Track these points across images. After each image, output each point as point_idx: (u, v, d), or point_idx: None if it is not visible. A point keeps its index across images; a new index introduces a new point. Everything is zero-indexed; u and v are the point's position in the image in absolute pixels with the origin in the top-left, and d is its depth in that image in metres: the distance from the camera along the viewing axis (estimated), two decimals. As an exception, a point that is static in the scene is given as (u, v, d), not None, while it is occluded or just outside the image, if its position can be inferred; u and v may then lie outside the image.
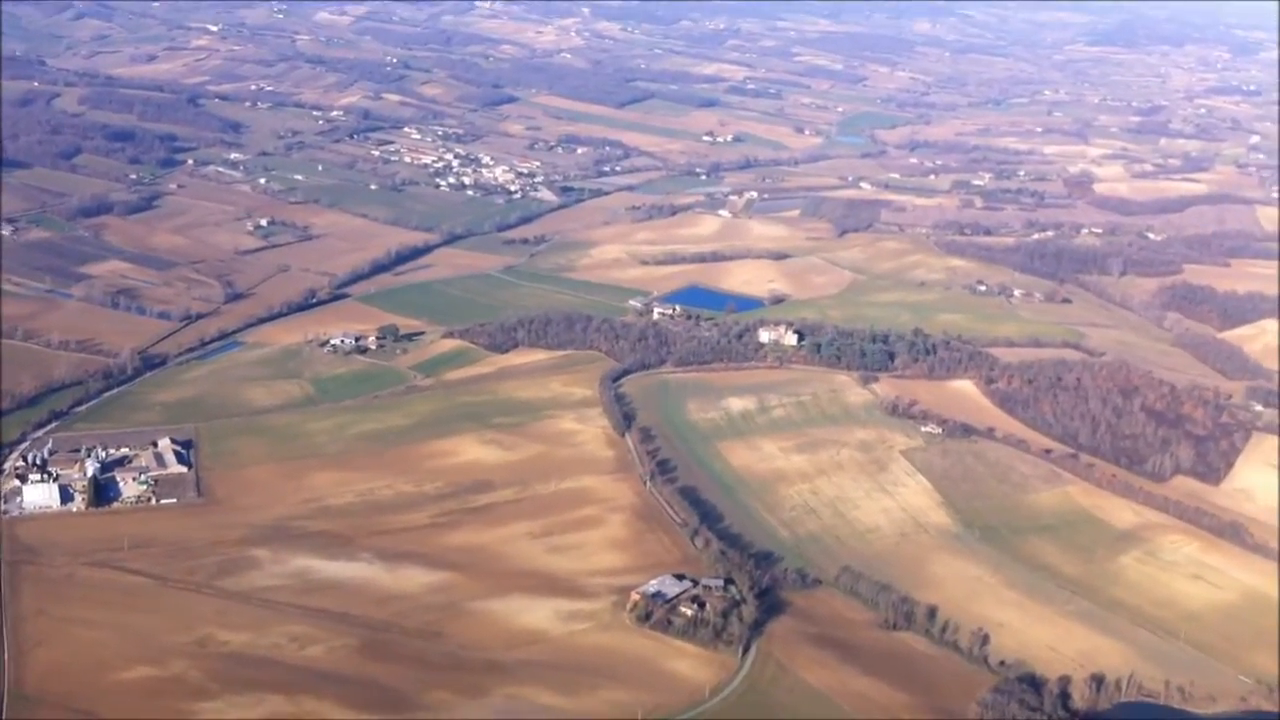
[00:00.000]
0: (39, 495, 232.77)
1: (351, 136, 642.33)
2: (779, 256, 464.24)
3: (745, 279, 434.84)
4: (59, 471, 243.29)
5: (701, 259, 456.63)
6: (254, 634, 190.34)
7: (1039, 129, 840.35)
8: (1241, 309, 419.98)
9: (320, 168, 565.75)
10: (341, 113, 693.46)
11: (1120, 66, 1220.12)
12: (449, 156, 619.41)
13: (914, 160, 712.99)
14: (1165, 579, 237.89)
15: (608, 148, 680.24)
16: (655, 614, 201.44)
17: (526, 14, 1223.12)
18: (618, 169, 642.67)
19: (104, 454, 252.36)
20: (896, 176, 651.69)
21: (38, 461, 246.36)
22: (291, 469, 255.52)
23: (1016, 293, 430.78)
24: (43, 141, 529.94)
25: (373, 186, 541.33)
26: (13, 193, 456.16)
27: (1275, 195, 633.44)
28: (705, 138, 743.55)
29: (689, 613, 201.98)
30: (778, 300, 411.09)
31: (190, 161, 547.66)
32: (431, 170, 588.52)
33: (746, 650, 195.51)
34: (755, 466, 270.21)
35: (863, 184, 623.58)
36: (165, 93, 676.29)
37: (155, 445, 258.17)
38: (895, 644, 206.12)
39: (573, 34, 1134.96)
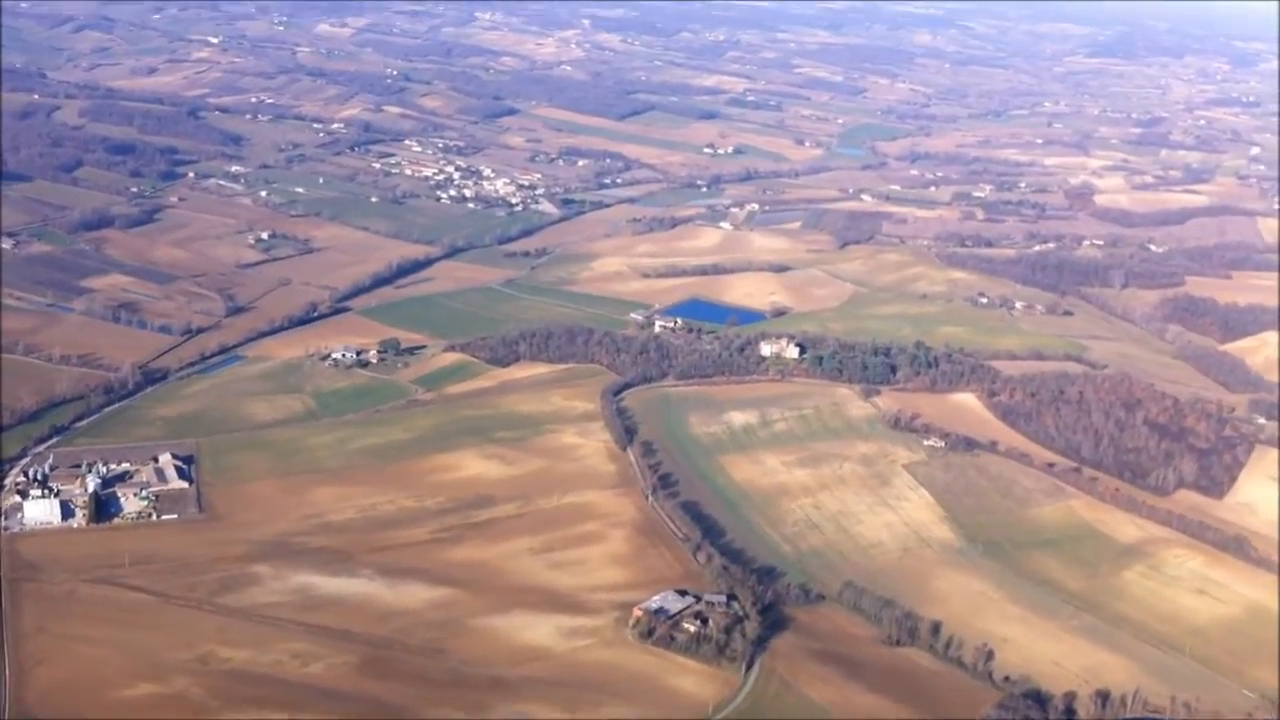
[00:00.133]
0: (40, 511, 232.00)
1: (352, 149, 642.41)
2: (780, 269, 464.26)
3: (746, 291, 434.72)
4: (60, 487, 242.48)
5: (702, 271, 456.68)
6: (255, 651, 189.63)
7: (1039, 140, 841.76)
8: (1243, 321, 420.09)
9: (321, 180, 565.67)
10: (342, 125, 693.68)
11: (1120, 78, 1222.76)
12: (450, 169, 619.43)
13: (915, 172, 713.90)
14: (1169, 594, 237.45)
15: (608, 160, 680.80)
16: (658, 630, 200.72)
17: (527, 26, 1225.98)
18: (618, 181, 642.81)
19: (105, 469, 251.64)
20: (897, 188, 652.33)
21: (39, 477, 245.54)
22: (293, 484, 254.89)
23: (1018, 305, 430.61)
24: (43, 154, 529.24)
25: (373, 199, 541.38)
26: (13, 206, 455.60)
27: (1276, 207, 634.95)
28: (706, 150, 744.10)
29: (692, 629, 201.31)
30: (779, 313, 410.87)
31: (191, 174, 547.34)
32: (432, 183, 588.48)
33: (750, 667, 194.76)
34: (757, 481, 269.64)
35: (863, 196, 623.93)
36: (166, 105, 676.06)
37: (156, 460, 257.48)
38: (899, 660, 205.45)
39: (573, 46, 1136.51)
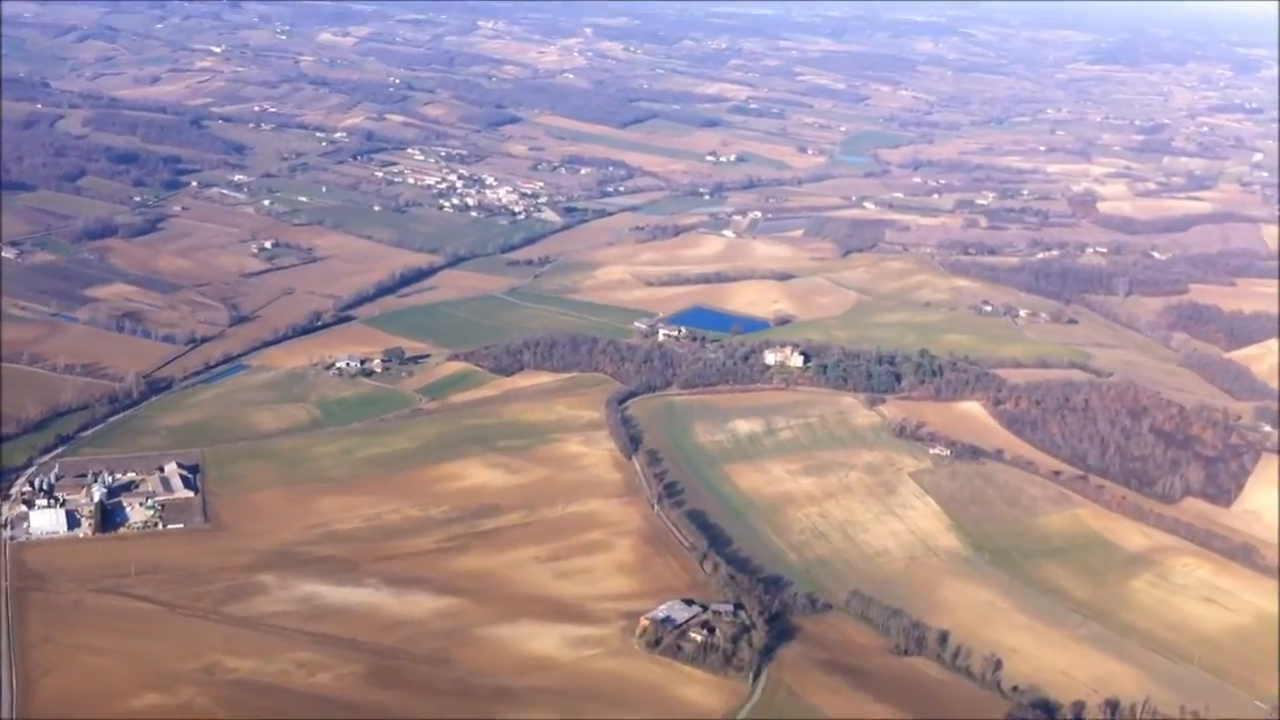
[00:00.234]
0: (45, 521, 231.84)
1: (355, 158, 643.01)
2: (783, 277, 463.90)
3: (750, 300, 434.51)
4: (65, 497, 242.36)
5: (706, 280, 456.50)
6: (262, 660, 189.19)
7: (1042, 148, 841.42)
8: (1248, 329, 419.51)
9: (324, 189, 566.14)
10: (345, 134, 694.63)
11: (1123, 85, 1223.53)
12: (452, 177, 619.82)
13: (917, 179, 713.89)
14: (1177, 602, 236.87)
15: (611, 168, 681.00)
16: (665, 640, 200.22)
17: (529, 34, 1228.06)
18: (621, 189, 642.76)
19: (110, 479, 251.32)
20: (900, 196, 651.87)
21: (44, 487, 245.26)
22: (298, 493, 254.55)
23: (1022, 313, 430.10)
24: (47, 164, 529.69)
25: (376, 208, 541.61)
26: (17, 215, 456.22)
27: (1279, 213, 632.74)
28: (708, 157, 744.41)
29: (699, 638, 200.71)
30: (783, 321, 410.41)
31: (194, 183, 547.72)
32: (435, 191, 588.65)
33: (757, 676, 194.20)
34: (763, 489, 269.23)
35: (866, 203, 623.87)
36: (169, 114, 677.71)
37: (162, 470, 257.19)
38: (907, 670, 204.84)
39: (575, 54, 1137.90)
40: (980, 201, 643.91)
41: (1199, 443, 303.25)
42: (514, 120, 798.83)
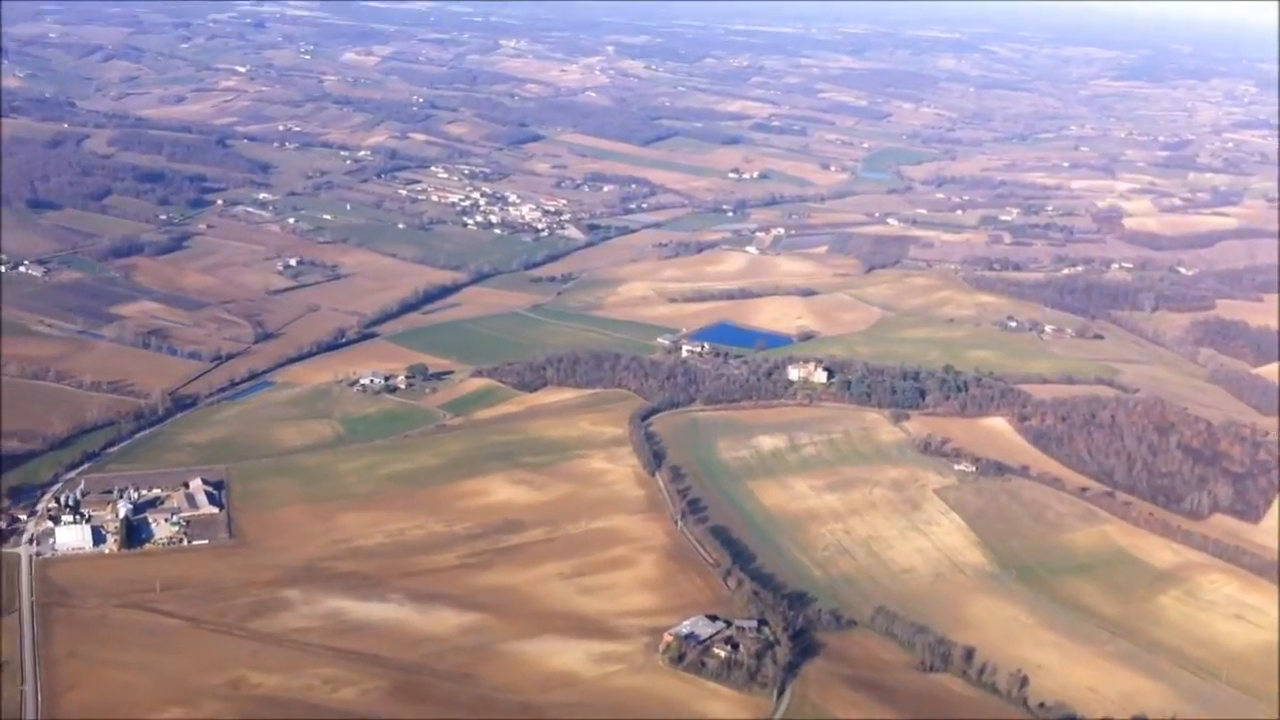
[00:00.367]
0: (71, 537, 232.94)
1: (379, 176, 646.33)
2: (807, 293, 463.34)
3: (773, 316, 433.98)
4: (91, 513, 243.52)
5: (729, 296, 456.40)
6: (286, 676, 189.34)
7: (1066, 164, 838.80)
8: (1275, 344, 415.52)
9: (348, 207, 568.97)
10: (369, 152, 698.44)
11: (1146, 101, 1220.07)
12: (476, 195, 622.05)
13: (941, 196, 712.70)
14: (1205, 619, 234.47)
15: (634, 185, 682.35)
16: (688, 656, 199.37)
17: (551, 53, 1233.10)
18: (644, 206, 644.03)
19: (136, 495, 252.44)
20: (923, 212, 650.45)
21: (70, 503, 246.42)
22: (322, 509, 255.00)
23: (1048, 329, 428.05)
24: (73, 183, 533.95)
25: (400, 225, 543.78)
26: (44, 234, 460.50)
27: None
28: (731, 174, 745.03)
29: (722, 654, 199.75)
30: (806, 337, 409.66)
31: (219, 202, 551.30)
32: (458, 209, 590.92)
33: (781, 693, 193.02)
34: (787, 506, 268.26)
35: (890, 220, 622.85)
36: (194, 134, 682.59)
37: (187, 486, 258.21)
38: (933, 686, 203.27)
39: (597, 72, 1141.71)
40: (1004, 217, 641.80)
41: (1227, 459, 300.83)
42: (536, 138, 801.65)
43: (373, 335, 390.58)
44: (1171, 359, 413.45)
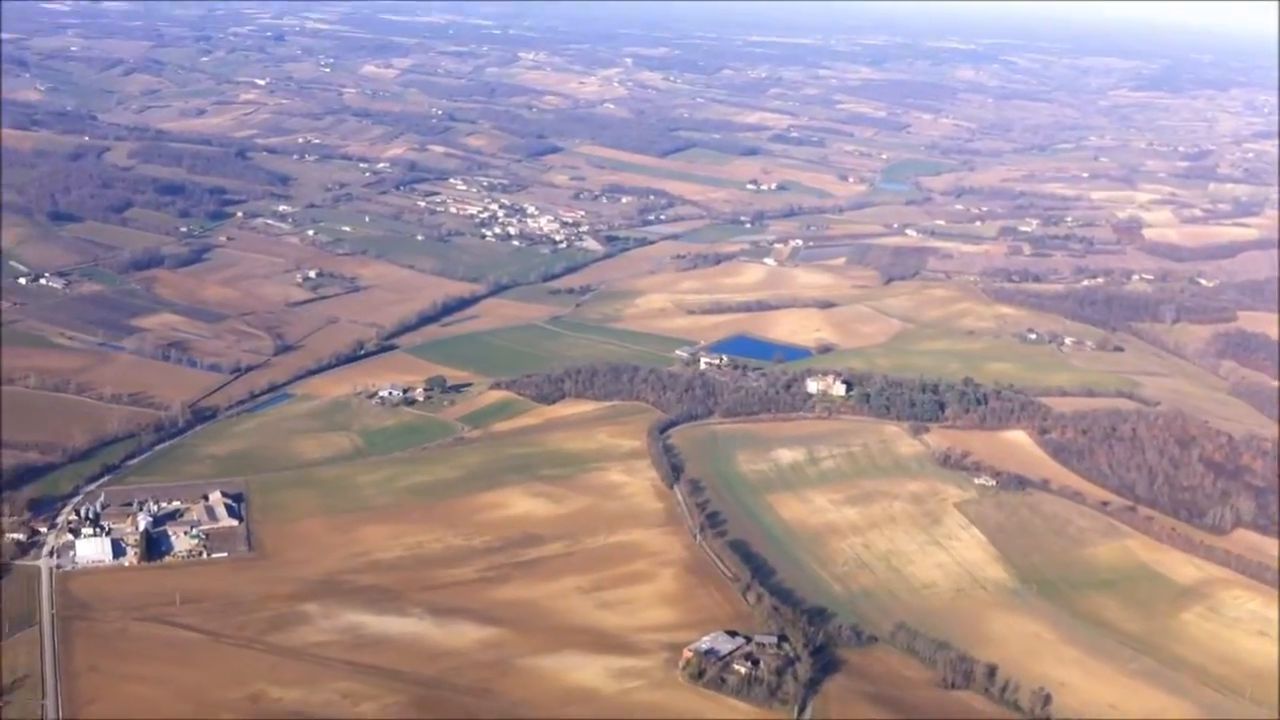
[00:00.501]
0: (91, 549, 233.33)
1: (398, 188, 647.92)
2: (825, 305, 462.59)
3: (792, 328, 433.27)
4: (111, 525, 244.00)
5: (747, 308, 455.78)
6: (306, 690, 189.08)
7: (1085, 174, 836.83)
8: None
9: (367, 219, 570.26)
10: (388, 164, 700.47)
11: (1166, 111, 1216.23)
12: (494, 207, 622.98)
13: (960, 207, 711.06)
14: (1229, 635, 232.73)
15: (652, 196, 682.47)
16: (708, 672, 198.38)
17: (569, 65, 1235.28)
18: (662, 218, 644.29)
19: (156, 508, 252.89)
20: (942, 223, 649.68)
21: (90, 515, 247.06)
22: (341, 522, 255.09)
23: (1067, 341, 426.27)
24: (94, 195, 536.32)
25: (419, 237, 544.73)
26: (65, 246, 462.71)
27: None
28: (749, 186, 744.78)
29: (742, 670, 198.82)
30: (825, 349, 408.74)
31: (239, 214, 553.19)
32: (477, 221, 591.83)
33: (802, 709, 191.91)
34: (806, 519, 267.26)
35: (908, 231, 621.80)
36: (214, 146, 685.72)
37: (206, 499, 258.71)
38: (954, 704, 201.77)
39: (615, 84, 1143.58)
40: (1024, 229, 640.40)
41: (1249, 473, 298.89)
42: (555, 150, 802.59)
43: (391, 347, 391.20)
44: (1193, 371, 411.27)
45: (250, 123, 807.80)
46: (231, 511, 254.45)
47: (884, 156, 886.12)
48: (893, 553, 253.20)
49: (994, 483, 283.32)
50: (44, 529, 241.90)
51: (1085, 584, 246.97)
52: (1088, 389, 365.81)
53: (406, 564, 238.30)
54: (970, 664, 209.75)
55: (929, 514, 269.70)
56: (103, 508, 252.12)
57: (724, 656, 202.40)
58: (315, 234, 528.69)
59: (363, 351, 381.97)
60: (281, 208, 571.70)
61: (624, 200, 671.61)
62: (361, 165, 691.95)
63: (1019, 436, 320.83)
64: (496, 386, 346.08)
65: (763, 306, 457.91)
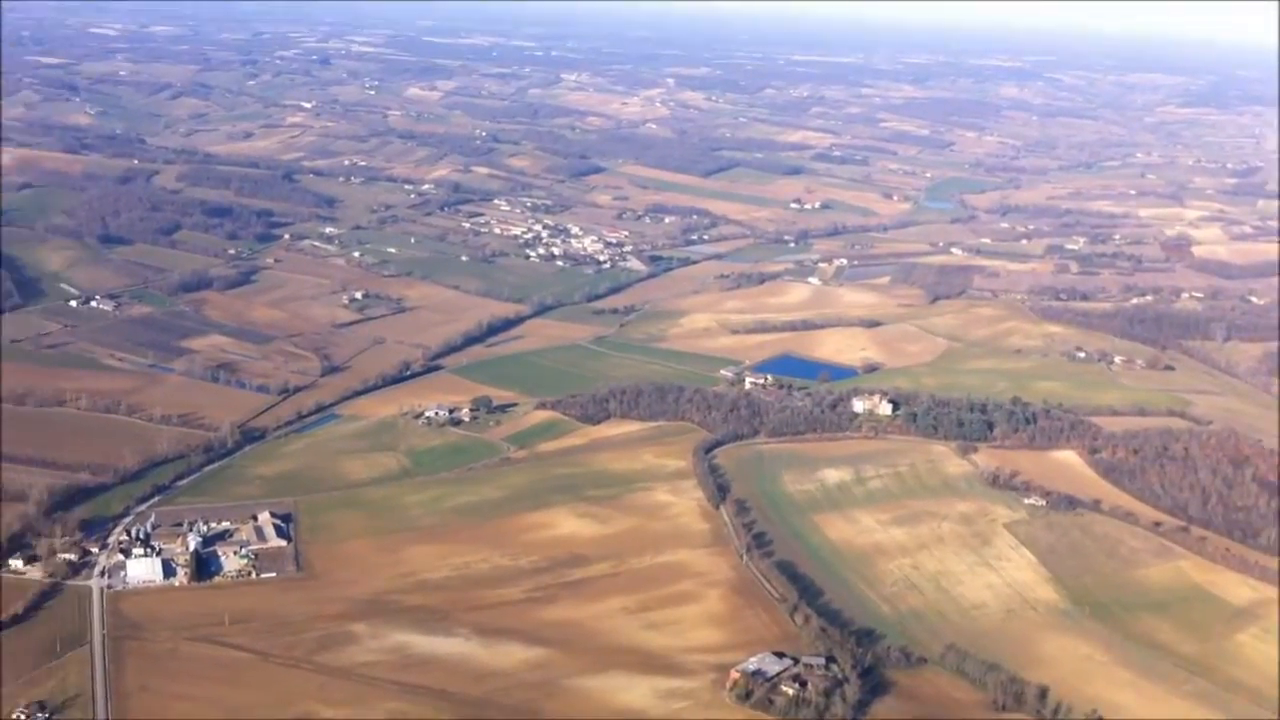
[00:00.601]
0: (142, 570, 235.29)
1: (442, 209, 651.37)
2: (871, 324, 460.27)
3: (837, 347, 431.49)
4: (162, 546, 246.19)
5: (792, 327, 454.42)
6: (354, 710, 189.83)
7: (1133, 192, 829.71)
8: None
9: (413, 240, 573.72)
10: (432, 186, 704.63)
11: (1213, 128, 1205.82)
12: (538, 227, 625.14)
13: (1005, 225, 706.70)
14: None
15: (695, 216, 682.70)
16: (756, 693, 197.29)
17: (612, 86, 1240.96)
18: (705, 237, 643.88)
19: (205, 528, 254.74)
20: (988, 242, 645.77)
21: (141, 536, 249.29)
22: (388, 542, 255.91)
23: (1117, 359, 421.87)
24: (143, 218, 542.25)
25: (464, 258, 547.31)
26: (115, 269, 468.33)
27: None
28: (792, 205, 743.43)
29: (790, 692, 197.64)
30: (871, 369, 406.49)
31: (286, 236, 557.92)
32: (521, 241, 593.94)
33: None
34: (854, 540, 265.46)
35: (954, 249, 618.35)
36: (261, 169, 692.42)
37: (255, 519, 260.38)
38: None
39: (657, 104, 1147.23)
40: (1070, 246, 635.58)
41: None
42: (598, 170, 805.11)
43: (437, 368, 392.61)
44: (1244, 390, 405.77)
45: (297, 145, 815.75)
46: (280, 532, 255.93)
47: (928, 174, 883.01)
48: (942, 573, 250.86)
49: (1044, 503, 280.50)
50: (95, 549, 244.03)
51: (1138, 605, 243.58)
52: (1139, 408, 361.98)
53: (453, 584, 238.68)
54: (1021, 686, 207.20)
55: (978, 534, 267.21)
56: (153, 528, 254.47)
57: (771, 678, 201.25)
58: (361, 255, 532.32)
59: (409, 372, 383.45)
60: (328, 229, 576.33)
61: (667, 220, 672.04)
62: (406, 187, 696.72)
63: (1069, 456, 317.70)
64: (542, 407, 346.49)
65: (807, 326, 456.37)
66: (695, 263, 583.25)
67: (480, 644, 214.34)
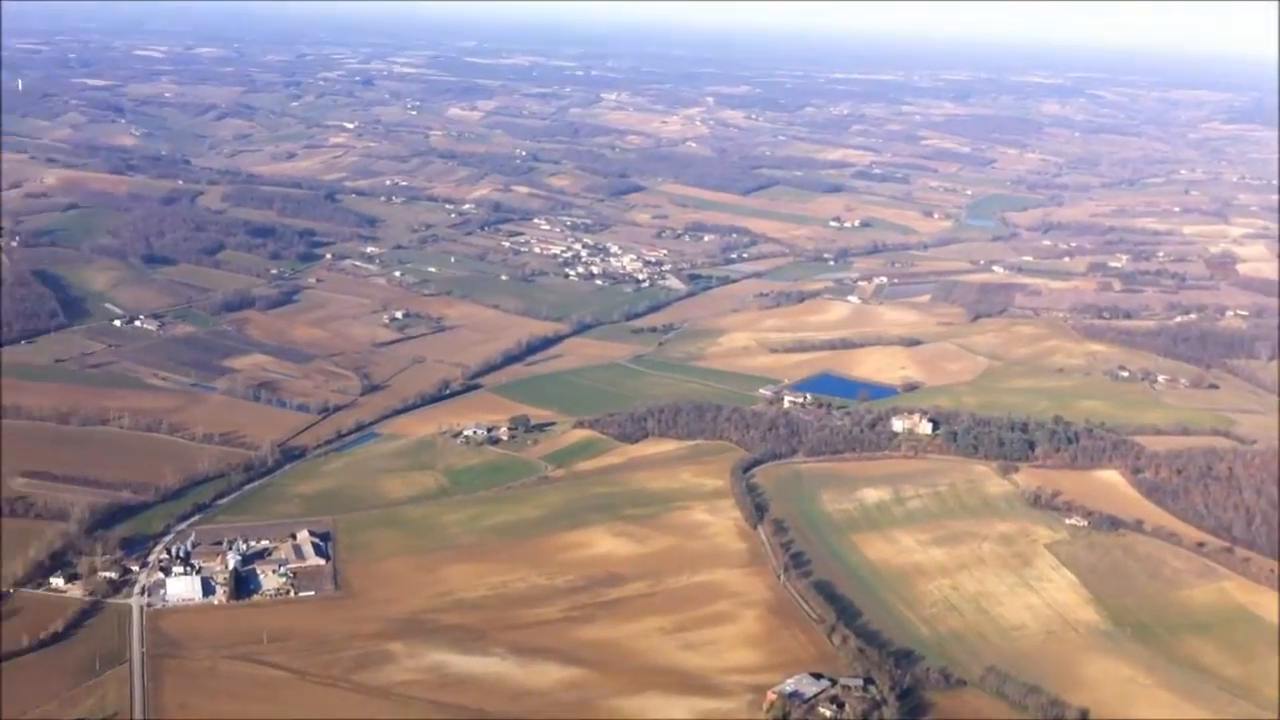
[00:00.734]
0: (182, 588, 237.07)
1: (482, 228, 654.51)
2: (910, 342, 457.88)
3: (876, 366, 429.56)
4: (201, 564, 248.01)
5: (831, 346, 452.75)
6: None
7: (1176, 209, 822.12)
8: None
9: (453, 259, 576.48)
10: (473, 205, 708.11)
11: (1258, 144, 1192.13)
12: (577, 246, 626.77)
13: (1047, 243, 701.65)
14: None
15: (734, 235, 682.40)
16: (792, 714, 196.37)
17: (652, 105, 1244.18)
18: (745, 256, 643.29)
19: (245, 546, 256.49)
20: (1030, 259, 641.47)
21: (181, 554, 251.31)
22: (426, 561, 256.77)
23: (1160, 378, 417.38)
24: (187, 239, 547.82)
25: (503, 277, 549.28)
26: (159, 289, 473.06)
27: None
28: (832, 223, 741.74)
29: (828, 714, 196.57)
30: (910, 387, 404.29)
31: (328, 255, 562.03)
32: (560, 260, 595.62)
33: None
34: (892, 560, 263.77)
35: (995, 267, 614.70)
36: (304, 189, 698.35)
37: (294, 537, 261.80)
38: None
39: (697, 123, 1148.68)
40: (1113, 264, 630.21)
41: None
42: (637, 189, 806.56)
43: (476, 387, 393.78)
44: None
45: (339, 165, 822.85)
46: (319, 550, 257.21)
47: (969, 192, 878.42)
48: (982, 594, 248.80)
49: (1086, 523, 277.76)
50: (135, 567, 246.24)
51: (1181, 627, 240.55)
52: (1182, 427, 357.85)
53: (490, 603, 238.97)
54: (1062, 708, 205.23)
55: (1019, 555, 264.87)
56: (193, 546, 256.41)
57: (809, 699, 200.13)
58: (402, 275, 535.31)
59: (448, 391, 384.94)
60: (369, 249, 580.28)
61: (706, 238, 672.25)
62: (447, 206, 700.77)
63: (1111, 476, 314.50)
64: (580, 425, 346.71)
65: (847, 344, 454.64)
66: (734, 281, 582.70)
67: (517, 663, 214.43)
